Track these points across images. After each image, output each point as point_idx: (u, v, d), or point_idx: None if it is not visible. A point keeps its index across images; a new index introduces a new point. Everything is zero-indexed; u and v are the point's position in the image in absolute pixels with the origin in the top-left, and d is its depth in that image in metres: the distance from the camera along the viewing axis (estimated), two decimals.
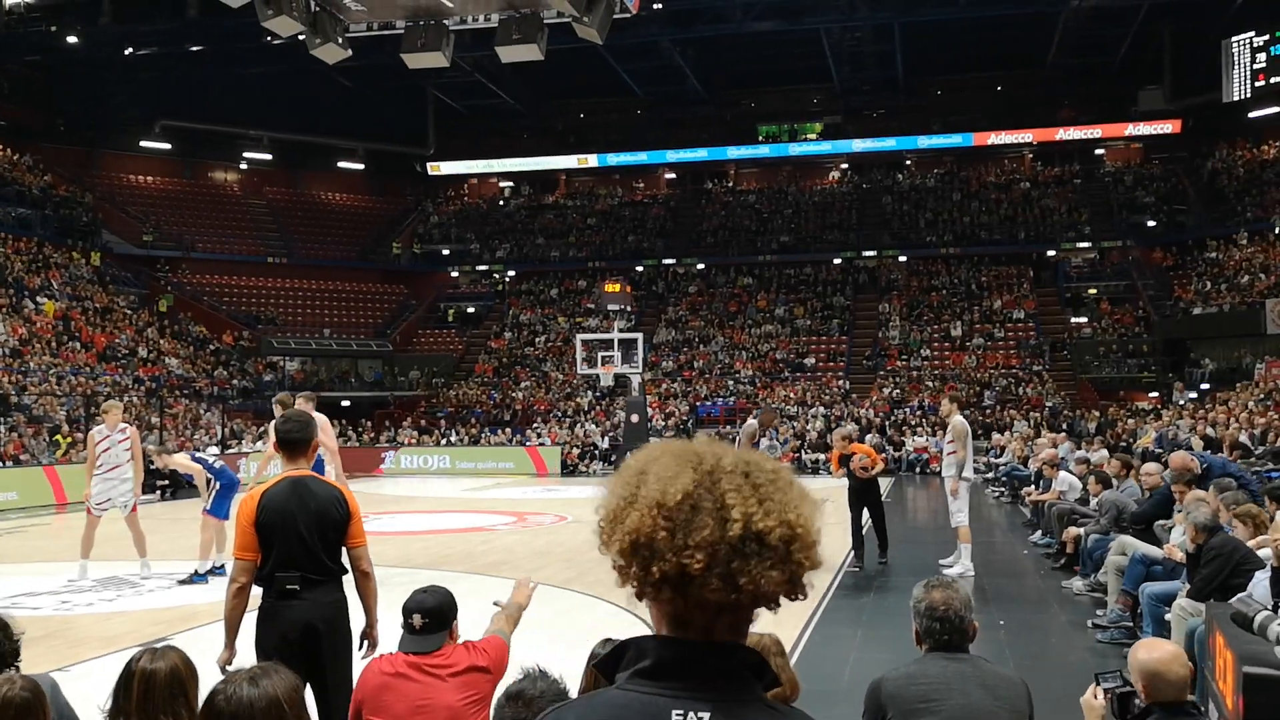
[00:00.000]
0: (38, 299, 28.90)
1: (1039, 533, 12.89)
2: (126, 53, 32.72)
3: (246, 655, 4.02)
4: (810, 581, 1.28)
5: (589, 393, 32.78)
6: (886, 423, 28.23)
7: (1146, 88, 35.55)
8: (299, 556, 4.17)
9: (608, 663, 1.30)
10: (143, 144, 37.55)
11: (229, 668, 4.10)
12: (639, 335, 27.79)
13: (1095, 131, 36.51)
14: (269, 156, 39.87)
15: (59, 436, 22.57)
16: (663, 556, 1.21)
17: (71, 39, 31.15)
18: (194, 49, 32.59)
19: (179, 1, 28.97)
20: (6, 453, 20.87)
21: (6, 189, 32.04)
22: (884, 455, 13.02)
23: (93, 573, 10.64)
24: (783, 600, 1.27)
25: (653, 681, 1.23)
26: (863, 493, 11.40)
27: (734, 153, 39.94)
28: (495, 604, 3.83)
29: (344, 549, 4.34)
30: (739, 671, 1.25)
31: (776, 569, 1.22)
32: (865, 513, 11.49)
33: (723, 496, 1.23)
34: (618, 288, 35.48)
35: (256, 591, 4.25)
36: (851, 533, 11.50)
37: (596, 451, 28.00)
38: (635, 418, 25.55)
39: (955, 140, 37.72)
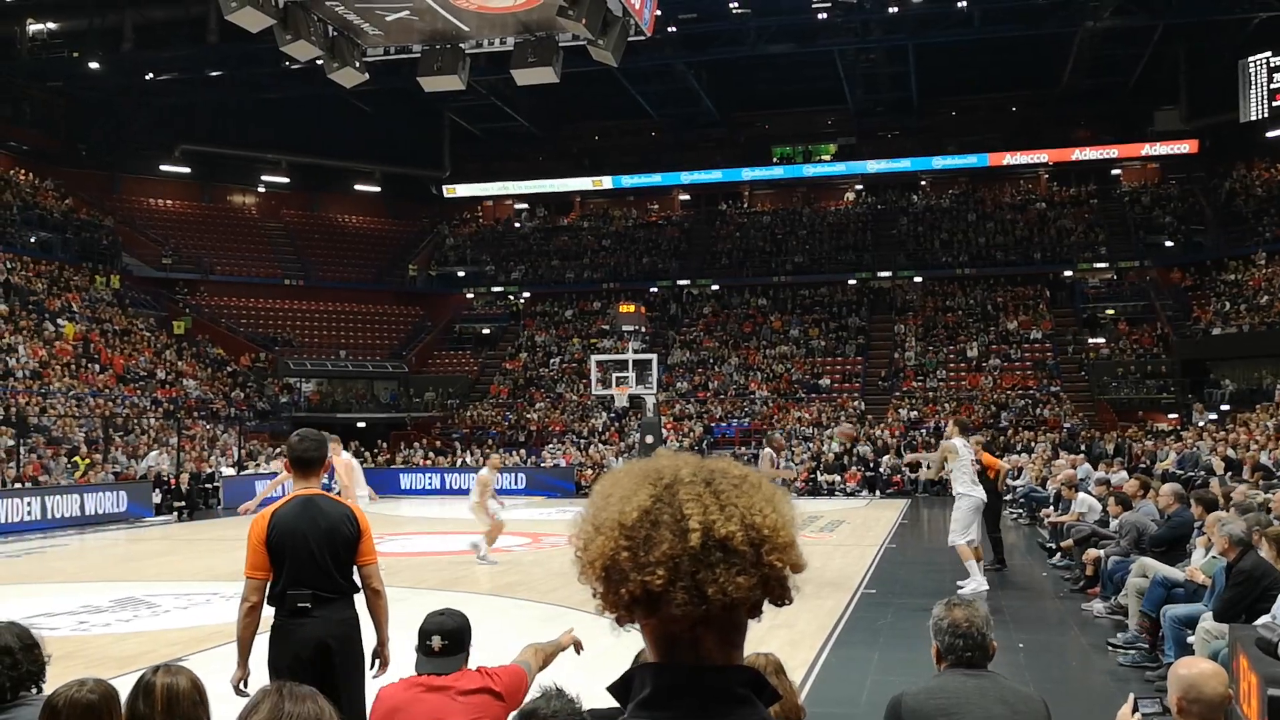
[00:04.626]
0: (58, 321, 29.15)
1: (1058, 554, 12.77)
2: (147, 78, 33.14)
3: (260, 675, 4.02)
4: (796, 585, 1.25)
5: (603, 414, 32.77)
6: (902, 444, 28.08)
7: (1163, 108, 35.50)
8: (310, 574, 4.18)
9: (619, 691, 1.29)
10: (162, 168, 37.93)
11: (242, 686, 4.11)
12: (653, 356, 27.78)
13: (1111, 152, 36.45)
14: (286, 179, 40.19)
15: (78, 458, 22.70)
16: (627, 577, 1.20)
17: (94, 65, 31.58)
18: (213, 74, 32.98)
19: (199, 27, 29.32)
20: (26, 474, 20.99)
21: (29, 213, 32.40)
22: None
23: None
24: (769, 606, 1.25)
25: (651, 711, 1.22)
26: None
27: (748, 174, 40.04)
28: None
29: (355, 567, 4.35)
30: (736, 691, 1.23)
31: (745, 574, 1.19)
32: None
33: (681, 507, 1.21)
34: (632, 309, 35.52)
35: (268, 611, 4.25)
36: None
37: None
38: (650, 439, 25.50)
39: (970, 161, 37.68)
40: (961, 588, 10.43)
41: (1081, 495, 12.85)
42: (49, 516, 19.17)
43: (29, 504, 19.00)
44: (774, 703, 1.27)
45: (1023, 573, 12.63)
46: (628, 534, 1.22)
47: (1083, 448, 24.58)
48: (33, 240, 31.67)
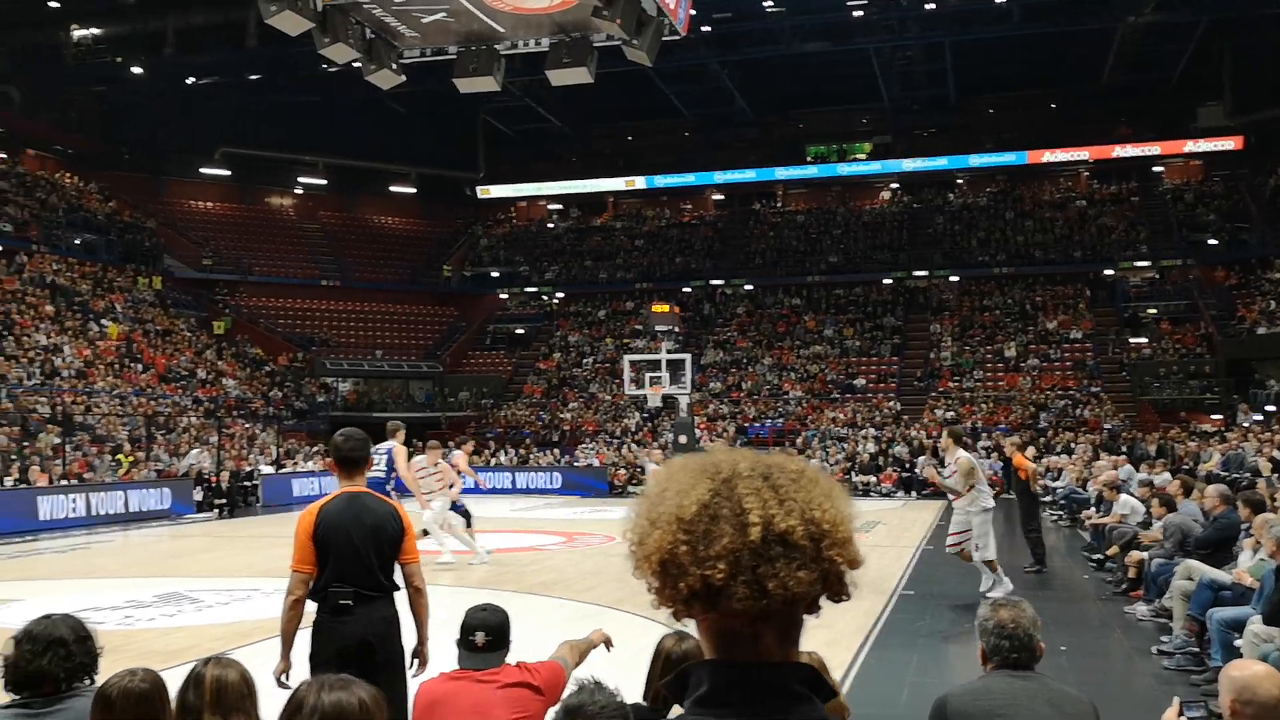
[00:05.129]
0: (102, 321, 29.65)
1: (1099, 557, 12.60)
2: (188, 82, 33.59)
3: (301, 668, 4.07)
4: (854, 581, 1.25)
5: (636, 414, 32.78)
6: (938, 444, 27.81)
7: (1206, 104, 34.91)
8: (354, 571, 4.22)
9: (675, 687, 1.28)
10: (203, 170, 38.46)
11: (284, 679, 4.16)
12: (687, 356, 27.75)
13: (1153, 149, 35.86)
14: (324, 181, 40.58)
15: (121, 455, 23.06)
16: (686, 571, 1.19)
17: (136, 70, 32.08)
18: (252, 77, 33.37)
19: (238, 31, 29.70)
20: (71, 471, 21.36)
21: (74, 215, 33.02)
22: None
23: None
24: (825, 602, 1.25)
25: (710, 709, 1.21)
26: (1018, 499, 12.94)
27: (782, 173, 39.86)
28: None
29: (397, 565, 4.38)
30: (793, 689, 1.22)
31: (805, 569, 1.19)
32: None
33: (740, 501, 1.21)
34: (666, 309, 35.50)
35: (311, 607, 4.29)
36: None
37: (645, 473, 27.88)
38: (683, 439, 25.48)
39: (1008, 158, 37.27)
40: (990, 593, 10.34)
41: (1123, 497, 12.68)
42: (94, 513, 19.49)
43: (74, 500, 19.34)
44: (831, 700, 1.27)
45: (1063, 575, 12.48)
46: (686, 528, 1.21)
47: (1124, 449, 24.24)
48: (77, 242, 32.24)
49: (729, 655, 1.23)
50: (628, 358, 28.79)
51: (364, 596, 4.21)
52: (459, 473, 13.65)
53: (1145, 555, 9.78)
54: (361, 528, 4.25)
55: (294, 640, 4.25)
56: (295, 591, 4.22)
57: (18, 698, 2.78)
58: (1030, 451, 14.42)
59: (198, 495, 22.02)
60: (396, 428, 11.26)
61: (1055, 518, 19.16)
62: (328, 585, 4.21)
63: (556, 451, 30.82)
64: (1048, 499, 20.56)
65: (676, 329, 35.54)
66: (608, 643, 3.89)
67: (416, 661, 4.43)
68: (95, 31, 31.61)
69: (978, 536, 10.41)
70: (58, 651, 2.79)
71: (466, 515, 13.50)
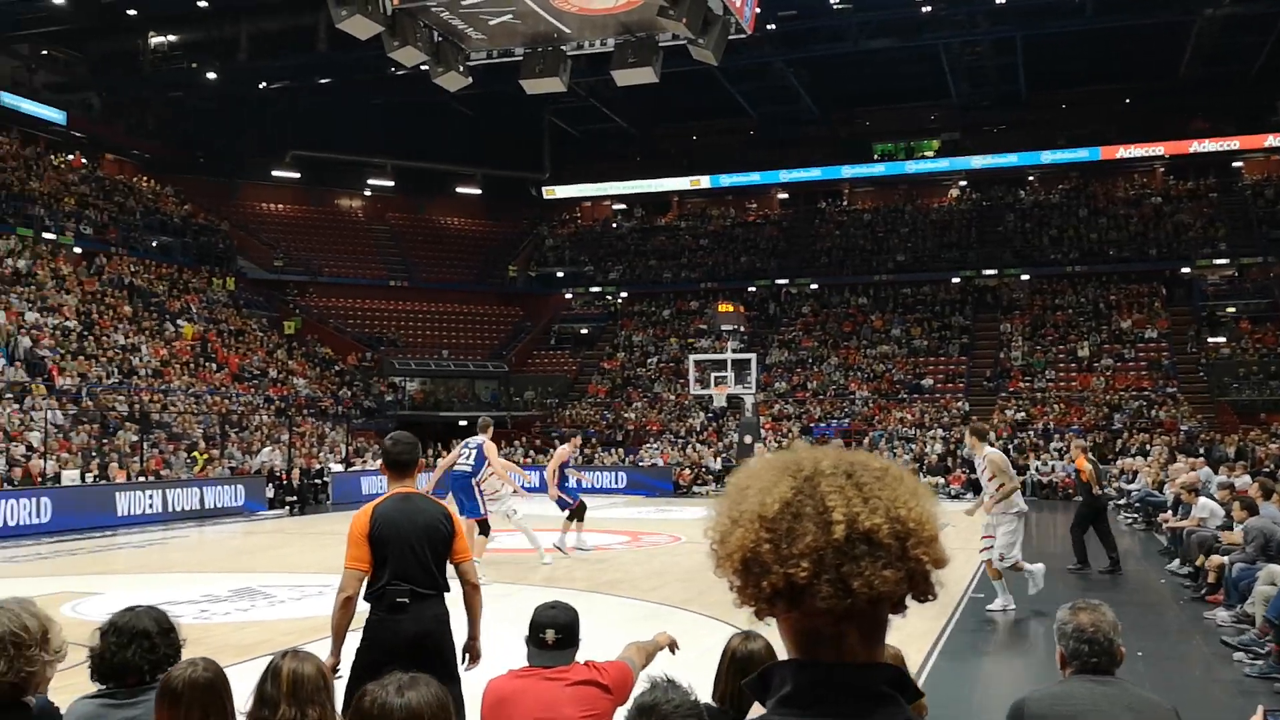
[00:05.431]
0: (178, 322, 30.46)
1: (1176, 560, 12.27)
2: (260, 86, 34.36)
3: (349, 664, 4.14)
4: (940, 581, 1.22)
5: (701, 414, 32.72)
6: (1010, 445, 27.33)
7: None
8: (411, 569, 4.29)
9: (757, 686, 1.27)
10: (274, 173, 39.30)
11: (334, 675, 4.22)
12: (752, 356, 27.62)
13: (1232, 143, 34.79)
14: (391, 183, 41.20)
15: (196, 453, 23.66)
16: (770, 569, 1.17)
17: (210, 75, 32.92)
18: (322, 81, 34.01)
19: (309, 36, 30.28)
20: (148, 468, 21.97)
21: (151, 218, 34.01)
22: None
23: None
24: (911, 603, 1.22)
25: (794, 709, 1.19)
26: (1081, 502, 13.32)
27: (848, 172, 39.45)
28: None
29: (450, 565, 4.45)
30: (878, 690, 1.19)
31: (891, 568, 1.16)
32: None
33: (823, 499, 1.19)
34: (731, 308, 35.35)
35: (363, 606, 4.35)
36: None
37: (710, 473, 27.82)
38: (748, 439, 25.37)
39: (1081, 154, 36.42)
40: (1029, 589, 10.17)
41: (1202, 500, 12.32)
42: (170, 509, 20.02)
43: (151, 497, 19.89)
44: (917, 700, 1.24)
45: (1139, 578, 12.19)
46: (769, 526, 1.19)
47: (1202, 451, 23.55)
48: (154, 244, 33.23)
49: (812, 655, 1.21)
50: (693, 357, 28.76)
51: (419, 594, 4.28)
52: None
53: (1225, 559, 9.50)
54: (415, 527, 4.34)
55: (345, 637, 4.32)
56: (349, 589, 4.29)
57: (103, 688, 2.86)
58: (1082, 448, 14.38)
59: (269, 492, 22.50)
60: (487, 424, 11.50)
61: (1130, 520, 18.70)
62: (386, 584, 4.27)
63: (621, 451, 30.90)
64: (1122, 502, 20.08)
65: (741, 328, 35.37)
66: (673, 645, 3.89)
67: (468, 657, 4.48)
68: (171, 38, 32.53)
69: (1002, 543, 9.99)
70: (142, 644, 2.85)
71: (578, 510, 14.22)
